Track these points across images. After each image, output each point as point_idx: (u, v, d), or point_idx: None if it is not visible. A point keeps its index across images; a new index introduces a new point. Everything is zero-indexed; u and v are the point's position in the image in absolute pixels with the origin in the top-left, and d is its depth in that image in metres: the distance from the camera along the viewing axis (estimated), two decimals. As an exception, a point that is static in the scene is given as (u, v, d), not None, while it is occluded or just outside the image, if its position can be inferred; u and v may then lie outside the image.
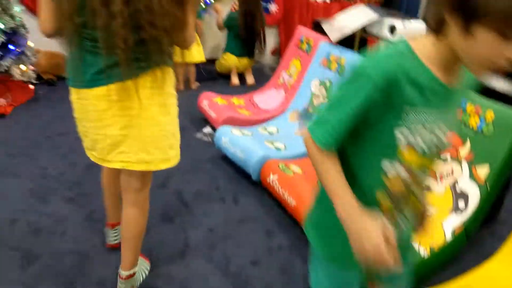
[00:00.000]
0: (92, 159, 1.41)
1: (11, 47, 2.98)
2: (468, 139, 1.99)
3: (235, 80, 4.06)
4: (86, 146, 1.41)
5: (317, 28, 3.24)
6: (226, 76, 4.12)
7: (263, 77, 4.22)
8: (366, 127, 0.80)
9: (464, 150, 2.01)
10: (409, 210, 0.90)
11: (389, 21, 2.79)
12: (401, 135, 0.79)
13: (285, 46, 4.58)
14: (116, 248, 1.67)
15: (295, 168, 2.26)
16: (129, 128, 1.29)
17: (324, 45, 2.90)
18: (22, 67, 3.06)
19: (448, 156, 2.06)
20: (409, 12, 4.41)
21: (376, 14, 2.83)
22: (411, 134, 0.79)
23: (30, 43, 3.16)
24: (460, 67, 0.78)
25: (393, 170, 0.82)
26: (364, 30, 2.95)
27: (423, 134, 0.79)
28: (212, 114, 3.01)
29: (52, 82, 3.60)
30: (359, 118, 0.77)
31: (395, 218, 0.88)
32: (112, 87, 1.23)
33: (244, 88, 3.96)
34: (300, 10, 4.16)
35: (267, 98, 3.32)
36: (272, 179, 2.18)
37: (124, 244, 1.50)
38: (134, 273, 1.53)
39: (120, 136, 1.30)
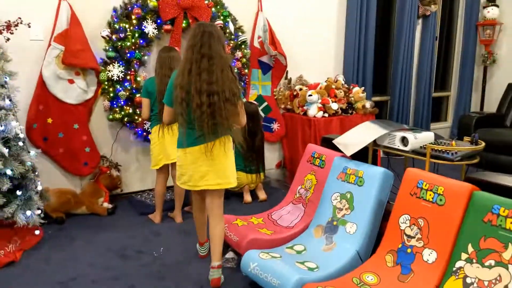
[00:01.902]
0: (186, 187, 2.53)
1: (18, 192, 2.90)
2: (509, 243, 1.99)
3: (247, 197, 4.09)
4: (184, 181, 2.50)
5: (325, 143, 3.41)
6: (238, 194, 4.16)
7: (272, 190, 4.31)
8: None
9: (507, 254, 1.99)
10: None
11: (399, 133, 2.97)
12: None
13: (289, 160, 4.77)
14: None
15: (336, 290, 2.17)
16: (210, 166, 2.42)
17: (339, 159, 3.02)
18: (28, 212, 2.92)
19: (492, 261, 2.03)
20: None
21: (384, 130, 3.03)
22: None
23: (39, 187, 3.10)
24: None
25: None
26: (375, 142, 3.11)
27: None
28: (233, 238, 2.96)
29: (61, 221, 3.50)
30: None
31: None
32: (202, 146, 2.39)
33: (257, 204, 3.99)
34: (302, 126, 4.42)
35: (285, 214, 3.31)
36: (316, 305, 2.08)
37: (215, 244, 2.53)
38: (221, 265, 2.58)
39: (205, 171, 2.43)
